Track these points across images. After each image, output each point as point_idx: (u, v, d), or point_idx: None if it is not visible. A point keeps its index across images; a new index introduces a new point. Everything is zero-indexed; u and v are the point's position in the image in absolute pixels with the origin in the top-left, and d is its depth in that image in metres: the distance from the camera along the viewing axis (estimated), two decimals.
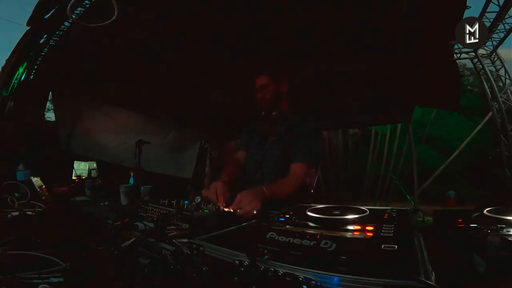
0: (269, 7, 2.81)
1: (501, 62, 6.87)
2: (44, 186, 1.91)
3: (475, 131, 10.81)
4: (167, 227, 1.02)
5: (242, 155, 2.08)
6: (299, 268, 0.58)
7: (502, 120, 7.04)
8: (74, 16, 3.34)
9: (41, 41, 4.01)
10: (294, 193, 1.64)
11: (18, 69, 4.03)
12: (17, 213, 1.41)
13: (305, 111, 1.92)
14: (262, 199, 1.38)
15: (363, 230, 0.84)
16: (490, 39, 6.16)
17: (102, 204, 1.75)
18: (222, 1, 2.83)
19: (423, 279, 0.50)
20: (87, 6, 3.35)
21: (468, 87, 14.30)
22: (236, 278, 0.62)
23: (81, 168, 4.09)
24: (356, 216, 0.93)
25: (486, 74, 6.80)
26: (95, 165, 4.13)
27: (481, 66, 6.80)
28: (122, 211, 1.42)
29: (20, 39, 3.88)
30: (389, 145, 11.48)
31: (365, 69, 3.44)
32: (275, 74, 1.90)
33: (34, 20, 3.64)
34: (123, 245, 0.86)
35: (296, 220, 0.98)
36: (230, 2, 2.83)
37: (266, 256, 0.63)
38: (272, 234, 0.79)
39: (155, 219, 1.16)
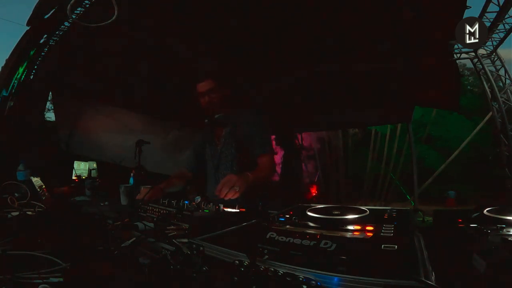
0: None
1: (501, 62, 6.85)
2: (44, 186, 1.91)
3: (475, 131, 10.78)
4: (167, 227, 1.02)
5: (184, 173, 2.08)
6: (299, 268, 0.58)
7: (502, 120, 7.03)
8: (74, 16, 3.34)
9: (41, 41, 4.01)
10: (269, 177, 1.80)
11: (18, 69, 4.03)
12: (17, 213, 1.41)
13: (245, 110, 1.92)
14: (246, 181, 1.47)
15: (363, 230, 0.84)
16: (490, 39, 6.14)
17: (102, 204, 1.75)
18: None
19: (423, 279, 0.50)
20: (87, 6, 3.35)
21: (468, 87, 14.27)
22: (236, 278, 0.62)
23: (81, 168, 4.09)
24: (356, 216, 0.93)
25: (486, 74, 6.78)
26: (95, 165, 4.13)
27: (481, 66, 6.78)
28: (122, 211, 1.41)
29: (20, 39, 3.89)
30: (389, 145, 11.47)
31: (366, 69, 3.44)
32: (220, 78, 1.89)
33: (34, 20, 3.64)
34: (123, 245, 0.86)
35: (296, 220, 0.98)
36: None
37: (266, 256, 0.63)
38: (272, 234, 0.79)
39: (155, 219, 1.16)
